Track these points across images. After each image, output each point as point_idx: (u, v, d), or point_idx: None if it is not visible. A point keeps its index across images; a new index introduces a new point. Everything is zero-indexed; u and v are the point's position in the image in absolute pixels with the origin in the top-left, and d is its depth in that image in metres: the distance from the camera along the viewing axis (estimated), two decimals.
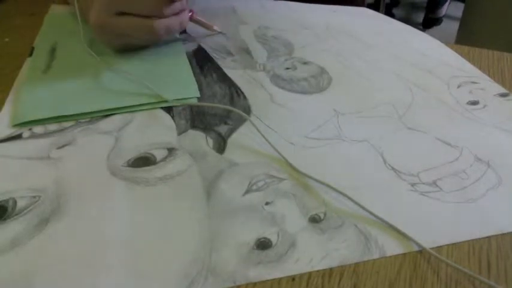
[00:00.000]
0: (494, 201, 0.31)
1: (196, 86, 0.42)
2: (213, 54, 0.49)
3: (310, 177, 0.32)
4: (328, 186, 0.32)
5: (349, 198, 0.31)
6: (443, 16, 2.41)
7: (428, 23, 2.39)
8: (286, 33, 0.55)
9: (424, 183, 0.33)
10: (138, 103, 0.39)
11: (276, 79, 0.45)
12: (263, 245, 0.27)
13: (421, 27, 2.38)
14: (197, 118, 0.38)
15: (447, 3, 2.38)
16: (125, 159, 0.33)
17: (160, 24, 0.43)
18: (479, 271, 0.27)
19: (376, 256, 0.27)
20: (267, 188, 0.31)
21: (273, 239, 0.28)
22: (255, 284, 0.25)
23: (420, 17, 2.48)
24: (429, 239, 0.28)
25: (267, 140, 0.35)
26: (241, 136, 0.37)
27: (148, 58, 0.46)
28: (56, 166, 0.32)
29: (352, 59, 0.50)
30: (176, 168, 0.33)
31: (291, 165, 0.33)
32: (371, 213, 0.30)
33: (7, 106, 0.38)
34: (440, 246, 0.28)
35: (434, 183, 0.33)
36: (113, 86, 0.41)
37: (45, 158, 0.33)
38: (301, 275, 0.26)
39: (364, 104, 0.42)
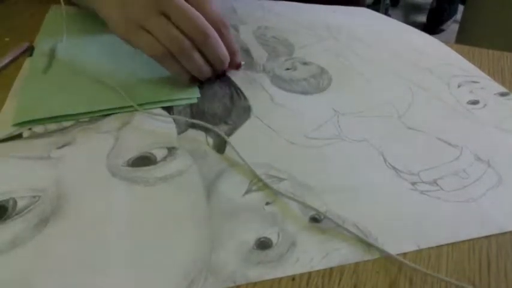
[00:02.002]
0: (494, 201, 0.31)
1: (196, 86, 0.42)
2: None
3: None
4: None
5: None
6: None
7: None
8: (286, 33, 0.55)
9: (424, 182, 0.33)
10: (137, 103, 0.39)
11: (276, 80, 0.45)
12: (263, 244, 0.27)
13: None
14: (197, 117, 0.38)
15: (449, 22, 2.31)
16: (124, 159, 0.33)
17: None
18: (479, 271, 0.27)
19: (376, 256, 0.27)
20: (267, 188, 0.31)
21: (273, 238, 0.28)
22: (255, 284, 0.25)
23: (418, 19, 2.47)
24: (429, 239, 0.28)
25: (245, 162, 0.35)
26: (242, 135, 0.37)
27: (149, 58, 0.46)
28: (56, 166, 0.32)
29: (352, 59, 0.50)
30: (176, 168, 0.33)
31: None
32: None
33: (7, 106, 0.38)
34: (440, 245, 0.28)
35: (434, 182, 0.33)
36: (112, 86, 0.41)
37: (45, 158, 0.33)
38: (301, 275, 0.26)
39: (364, 104, 0.42)
